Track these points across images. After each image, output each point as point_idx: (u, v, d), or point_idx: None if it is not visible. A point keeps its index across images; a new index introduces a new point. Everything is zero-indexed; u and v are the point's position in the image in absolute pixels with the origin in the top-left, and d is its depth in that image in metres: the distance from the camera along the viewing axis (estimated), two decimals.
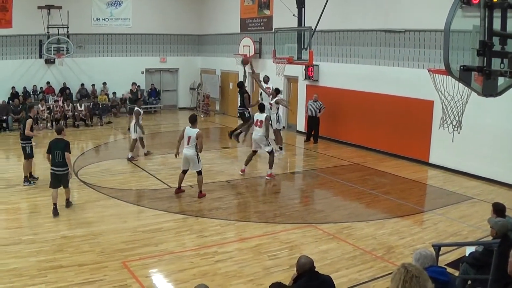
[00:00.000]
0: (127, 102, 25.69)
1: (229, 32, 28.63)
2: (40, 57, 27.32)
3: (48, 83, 27.75)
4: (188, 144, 13.07)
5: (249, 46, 25.72)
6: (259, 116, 15.55)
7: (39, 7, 26.87)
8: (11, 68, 26.54)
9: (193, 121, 13.27)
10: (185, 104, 32.34)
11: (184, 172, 13.47)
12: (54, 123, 24.16)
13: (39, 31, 26.85)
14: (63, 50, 26.59)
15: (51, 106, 25.15)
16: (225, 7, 29.23)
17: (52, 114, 24.69)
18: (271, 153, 15.44)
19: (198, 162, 13.20)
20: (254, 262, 9.40)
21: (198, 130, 13.11)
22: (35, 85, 27.40)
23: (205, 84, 30.89)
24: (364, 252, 9.83)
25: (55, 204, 11.94)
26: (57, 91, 27.75)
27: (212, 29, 30.73)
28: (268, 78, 19.99)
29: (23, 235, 10.55)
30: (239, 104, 19.57)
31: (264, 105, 16.23)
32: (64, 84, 28.10)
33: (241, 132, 19.00)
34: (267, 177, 15.39)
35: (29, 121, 14.56)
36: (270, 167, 15.42)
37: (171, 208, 12.47)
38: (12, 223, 11.47)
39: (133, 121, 17.69)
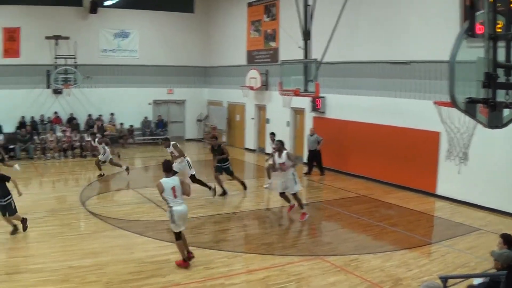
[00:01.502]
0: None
1: (236, 64, 28.89)
2: (48, 87, 27.56)
3: (55, 113, 28.03)
4: (176, 197, 10.48)
5: (255, 78, 25.90)
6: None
7: (47, 38, 27.25)
8: (19, 97, 26.90)
9: (169, 169, 10.85)
10: (192, 135, 32.50)
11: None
12: (61, 153, 24.39)
13: (47, 61, 27.20)
14: (71, 81, 26.86)
15: (59, 136, 25.33)
16: (231, 40, 29.56)
17: (59, 144, 24.84)
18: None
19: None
20: None
21: (177, 177, 10.95)
22: (42, 114, 27.66)
23: (212, 116, 31.09)
24: (372, 285, 9.76)
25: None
26: (64, 121, 28.02)
27: (219, 61, 31.08)
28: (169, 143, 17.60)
29: (31, 264, 10.60)
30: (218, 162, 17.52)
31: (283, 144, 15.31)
32: (72, 114, 28.38)
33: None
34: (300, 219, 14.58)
35: None
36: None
37: None
38: (20, 251, 11.53)
39: None
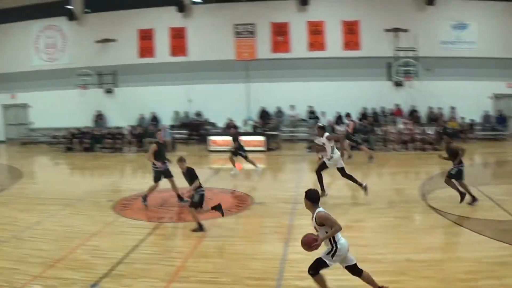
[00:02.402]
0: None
1: None
2: (389, 79, 28.71)
3: (396, 105, 29.05)
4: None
5: None
6: None
7: (387, 30, 28.51)
8: (360, 89, 28.89)
9: (318, 199, 8.83)
10: None
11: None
12: (402, 145, 25.39)
13: (387, 54, 28.54)
14: (412, 73, 27.71)
15: (400, 128, 26.28)
16: None
17: (401, 136, 25.82)
18: None
19: None
20: None
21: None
22: (383, 106, 29.08)
23: None
24: None
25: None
26: (405, 113, 28.98)
27: None
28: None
29: (369, 253, 11.22)
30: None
31: None
32: (413, 107, 29.17)
33: None
34: None
35: (153, 146, 15.42)
36: None
37: None
38: (360, 241, 12.22)
39: None
